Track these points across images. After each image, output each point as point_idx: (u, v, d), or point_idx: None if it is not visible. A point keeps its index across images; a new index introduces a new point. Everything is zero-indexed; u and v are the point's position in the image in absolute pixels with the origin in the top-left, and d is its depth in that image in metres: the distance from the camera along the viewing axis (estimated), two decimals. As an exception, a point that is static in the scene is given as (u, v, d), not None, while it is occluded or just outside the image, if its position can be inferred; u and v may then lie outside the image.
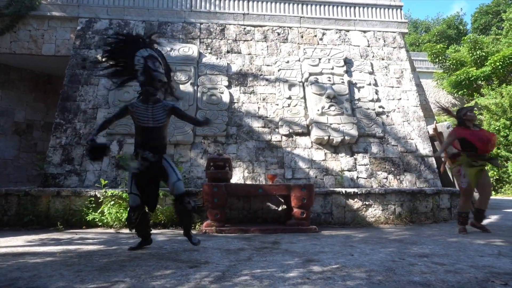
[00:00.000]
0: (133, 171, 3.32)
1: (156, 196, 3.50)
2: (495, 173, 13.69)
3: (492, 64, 15.81)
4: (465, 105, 15.99)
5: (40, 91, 8.76)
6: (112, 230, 4.89)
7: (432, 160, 6.92)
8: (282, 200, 5.51)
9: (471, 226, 4.76)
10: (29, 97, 8.58)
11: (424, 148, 6.99)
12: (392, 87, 7.54)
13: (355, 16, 8.27)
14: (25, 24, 7.53)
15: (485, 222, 5.86)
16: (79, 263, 2.88)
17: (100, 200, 5.15)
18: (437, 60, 17.83)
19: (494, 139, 4.66)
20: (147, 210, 3.48)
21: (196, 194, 5.35)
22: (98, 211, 5.12)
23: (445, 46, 19.62)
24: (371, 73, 7.59)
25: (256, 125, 6.81)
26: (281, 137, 6.74)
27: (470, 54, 17.04)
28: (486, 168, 4.73)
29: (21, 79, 8.48)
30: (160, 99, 3.54)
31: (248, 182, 6.25)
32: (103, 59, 3.58)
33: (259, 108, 7.00)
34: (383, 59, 7.87)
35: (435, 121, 7.96)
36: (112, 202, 5.13)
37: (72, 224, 5.07)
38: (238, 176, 6.29)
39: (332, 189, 5.78)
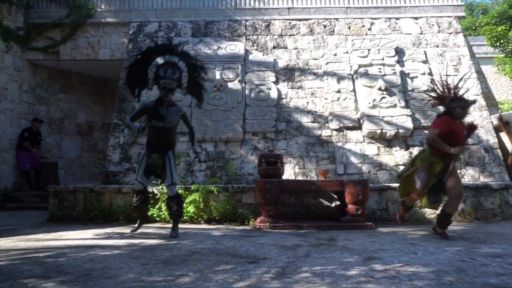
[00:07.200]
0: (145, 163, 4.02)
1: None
2: None
3: None
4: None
5: (98, 94, 9.32)
6: (170, 225, 5.08)
7: (498, 152, 6.41)
8: (335, 196, 5.40)
9: (433, 231, 3.94)
10: (89, 100, 9.17)
11: (488, 140, 6.49)
12: (449, 75, 7.06)
13: (405, 3, 7.86)
14: (83, 31, 8.04)
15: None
16: (144, 256, 3.02)
17: (157, 197, 5.36)
18: (497, 44, 16.41)
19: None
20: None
21: (249, 189, 5.42)
22: (156, 207, 5.34)
23: (507, 28, 18.02)
24: (425, 61, 7.17)
25: (305, 120, 6.72)
26: (331, 132, 6.60)
27: (537, 36, 15.53)
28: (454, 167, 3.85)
29: (81, 84, 9.08)
30: (174, 102, 4.08)
31: (299, 178, 6.20)
32: (125, 76, 4.23)
33: (307, 103, 6.90)
34: (437, 46, 7.41)
35: (499, 110, 7.35)
36: (168, 199, 5.33)
37: (132, 219, 5.32)
38: (289, 172, 6.26)
39: (387, 184, 5.56)
